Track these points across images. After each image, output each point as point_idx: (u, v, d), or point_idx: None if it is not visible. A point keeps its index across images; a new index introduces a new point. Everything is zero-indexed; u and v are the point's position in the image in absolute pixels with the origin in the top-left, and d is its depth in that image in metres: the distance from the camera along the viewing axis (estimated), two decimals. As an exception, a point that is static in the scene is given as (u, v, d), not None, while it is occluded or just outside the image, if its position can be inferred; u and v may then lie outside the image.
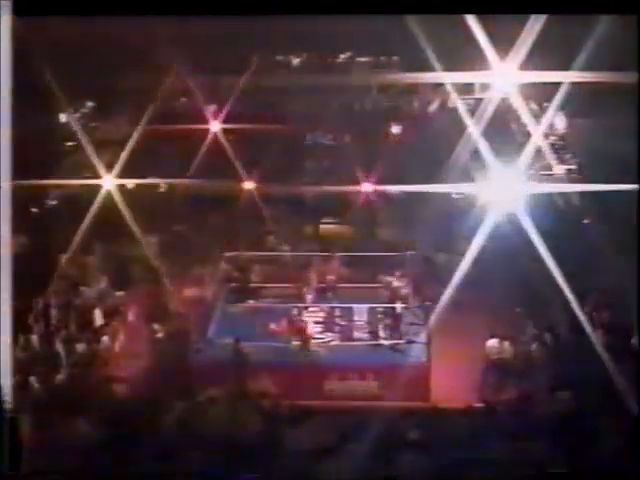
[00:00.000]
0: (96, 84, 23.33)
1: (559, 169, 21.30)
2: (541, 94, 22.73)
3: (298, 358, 16.50)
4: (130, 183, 17.93)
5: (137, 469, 11.77)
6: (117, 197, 15.57)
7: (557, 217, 20.64)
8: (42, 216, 23.03)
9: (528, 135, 17.92)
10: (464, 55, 17.67)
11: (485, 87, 22.27)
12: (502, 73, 14.61)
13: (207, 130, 21.97)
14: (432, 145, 24.23)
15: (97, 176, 15.82)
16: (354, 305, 18.11)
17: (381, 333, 17.15)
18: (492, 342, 16.28)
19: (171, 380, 15.13)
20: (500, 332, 16.56)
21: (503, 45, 14.39)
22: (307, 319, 17.54)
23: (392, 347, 16.74)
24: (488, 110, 19.07)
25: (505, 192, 15.04)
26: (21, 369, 14.61)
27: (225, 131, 21.62)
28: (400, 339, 16.86)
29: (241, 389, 14.94)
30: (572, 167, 23.83)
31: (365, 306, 17.99)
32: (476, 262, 14.98)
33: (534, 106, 23.22)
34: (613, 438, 12.33)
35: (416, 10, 14.13)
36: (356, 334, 17.28)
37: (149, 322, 17.69)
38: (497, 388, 15.49)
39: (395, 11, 13.74)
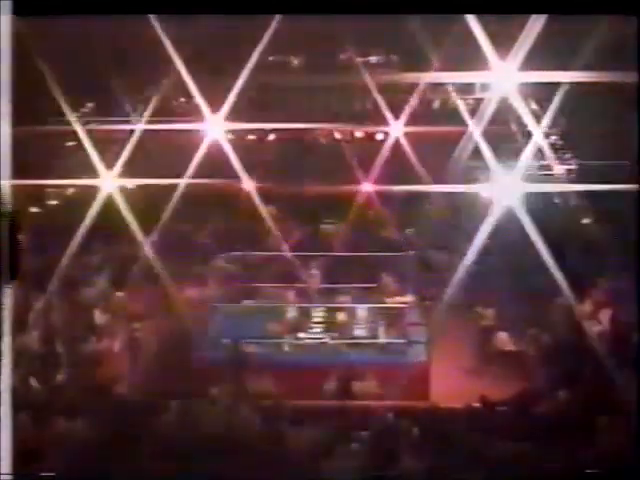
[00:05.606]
0: (96, 84, 23.34)
1: (559, 169, 21.30)
2: (541, 94, 22.74)
3: (297, 357, 16.53)
4: (130, 183, 17.92)
5: (137, 469, 11.76)
6: (117, 197, 15.57)
7: (557, 217, 20.67)
8: (42, 216, 23.04)
9: (528, 135, 17.90)
10: (464, 55, 17.68)
11: (485, 87, 22.29)
12: (502, 73, 14.59)
13: (207, 130, 21.95)
14: (432, 145, 24.25)
15: (97, 176, 15.82)
16: (354, 305, 18.09)
17: (381, 333, 17.15)
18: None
19: (171, 380, 15.12)
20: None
21: (503, 45, 14.38)
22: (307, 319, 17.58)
23: (392, 347, 16.74)
24: (488, 110, 19.09)
25: (505, 192, 15.05)
26: (21, 369, 14.62)
27: (225, 131, 21.59)
28: (400, 339, 16.86)
29: (241, 389, 14.93)
30: (572, 167, 23.86)
31: (365, 306, 17.98)
32: (476, 262, 14.98)
33: (534, 106, 23.23)
34: (613, 438, 12.33)
35: (416, 10, 14.13)
36: (356, 334, 17.27)
37: (149, 322, 17.69)
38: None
39: (395, 11, 13.74)
